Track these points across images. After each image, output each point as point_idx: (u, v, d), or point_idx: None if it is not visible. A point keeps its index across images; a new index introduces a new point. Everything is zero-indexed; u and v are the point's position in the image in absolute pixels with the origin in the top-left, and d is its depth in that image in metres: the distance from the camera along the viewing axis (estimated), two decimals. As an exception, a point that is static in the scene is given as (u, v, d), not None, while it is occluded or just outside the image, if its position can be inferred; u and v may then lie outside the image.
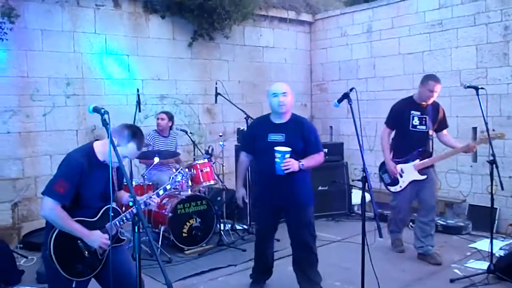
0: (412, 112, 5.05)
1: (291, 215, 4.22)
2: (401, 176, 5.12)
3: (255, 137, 4.19)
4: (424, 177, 5.06)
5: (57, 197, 2.83)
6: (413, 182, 5.09)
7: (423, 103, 5.04)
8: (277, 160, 3.88)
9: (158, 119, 6.39)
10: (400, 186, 5.15)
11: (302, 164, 3.96)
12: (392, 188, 5.23)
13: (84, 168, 2.88)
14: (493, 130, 4.84)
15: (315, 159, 4.09)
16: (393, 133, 5.25)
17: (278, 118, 4.11)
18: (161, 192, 3.32)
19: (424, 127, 5.06)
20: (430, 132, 5.10)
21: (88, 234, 2.91)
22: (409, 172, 5.08)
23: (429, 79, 4.99)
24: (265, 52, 8.72)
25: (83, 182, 2.88)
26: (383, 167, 5.30)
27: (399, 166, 5.12)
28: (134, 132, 2.98)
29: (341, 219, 7.11)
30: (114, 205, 3.11)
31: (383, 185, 5.47)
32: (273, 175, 3.96)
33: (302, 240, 4.22)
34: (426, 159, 5.05)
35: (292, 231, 4.26)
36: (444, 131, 5.24)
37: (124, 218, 3.03)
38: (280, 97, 3.98)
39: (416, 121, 5.04)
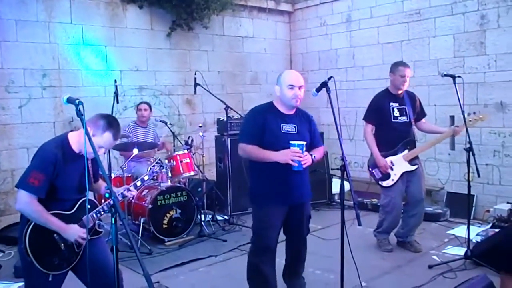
0: (391, 104, 5.01)
1: (298, 210, 3.80)
2: (392, 169, 5.01)
3: (265, 128, 3.62)
4: (415, 167, 5.04)
5: (32, 190, 2.77)
6: (404, 174, 5.03)
7: (399, 91, 5.01)
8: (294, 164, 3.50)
9: (140, 109, 6.33)
10: (392, 180, 5.02)
11: (314, 157, 3.66)
12: (384, 183, 5.06)
13: (59, 159, 2.83)
14: (474, 113, 4.82)
15: (320, 152, 3.86)
16: (374, 128, 5.12)
17: (287, 109, 3.73)
18: (138, 183, 3.29)
19: (405, 117, 5.02)
20: (412, 121, 5.07)
21: (65, 228, 2.86)
22: (399, 164, 5.01)
23: (398, 65, 4.98)
24: (244, 42, 8.69)
25: (58, 173, 2.83)
26: (372, 163, 5.12)
27: (388, 159, 5.01)
28: (110, 122, 2.93)
29: (322, 208, 7.15)
30: (91, 197, 3.07)
31: (367, 176, 5.48)
32: (286, 170, 3.54)
33: (303, 234, 3.95)
34: (415, 149, 5.05)
35: (295, 226, 3.86)
36: (423, 119, 5.24)
37: (101, 210, 3.00)
38: (297, 90, 3.62)
39: (396, 113, 5.00)
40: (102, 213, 3.01)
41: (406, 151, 5.01)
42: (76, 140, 2.94)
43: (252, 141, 3.60)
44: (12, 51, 6.09)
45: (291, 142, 3.52)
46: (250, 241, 3.91)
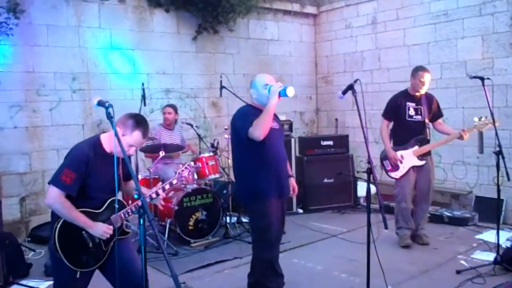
0: (408, 103, 5.39)
1: (283, 205, 4.01)
2: (401, 162, 5.38)
3: None
4: (423, 162, 5.36)
5: (62, 187, 2.85)
6: (413, 168, 5.38)
7: (417, 93, 5.36)
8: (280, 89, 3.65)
9: (164, 113, 6.40)
10: (401, 171, 5.40)
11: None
12: (393, 174, 5.46)
13: (91, 158, 2.91)
14: (486, 117, 4.96)
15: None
16: (391, 124, 5.55)
17: None
18: (167, 186, 3.33)
19: (419, 116, 5.38)
20: (426, 121, 5.40)
21: (92, 224, 2.93)
22: (409, 158, 5.36)
23: (418, 70, 5.33)
24: (270, 45, 8.71)
25: (90, 173, 2.91)
26: (384, 155, 5.52)
27: (399, 153, 5.38)
28: (138, 121, 3.00)
29: (347, 211, 7.12)
30: (120, 197, 3.12)
31: (385, 174, 5.64)
32: (277, 160, 3.82)
33: (283, 230, 4.14)
34: (425, 145, 5.36)
35: (282, 221, 4.05)
36: (439, 120, 5.54)
37: (130, 211, 3.05)
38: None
39: (412, 112, 5.38)
40: (130, 213, 3.06)
41: (416, 147, 5.35)
42: (107, 141, 3.02)
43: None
44: (43, 55, 6.25)
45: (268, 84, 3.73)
46: (256, 240, 3.91)
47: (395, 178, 5.46)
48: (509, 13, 6.49)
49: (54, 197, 2.86)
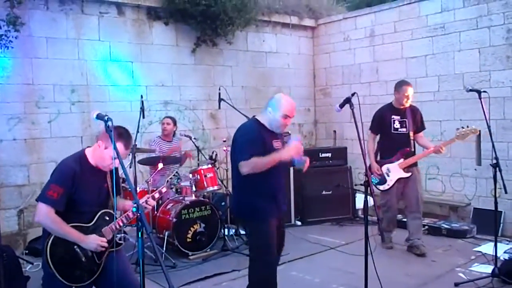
0: (393, 116, 5.62)
1: (281, 222, 3.96)
2: (388, 175, 5.60)
3: (264, 143, 3.70)
4: (409, 174, 5.57)
5: (50, 202, 2.87)
6: (399, 180, 5.59)
7: (401, 107, 5.58)
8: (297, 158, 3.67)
9: (163, 124, 6.44)
10: (388, 184, 5.61)
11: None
12: (381, 187, 5.67)
13: (77, 173, 2.93)
14: (467, 126, 5.20)
15: None
16: (378, 136, 5.80)
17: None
18: (156, 195, 3.34)
19: (404, 129, 5.60)
20: (411, 134, 5.60)
21: (84, 238, 2.94)
22: (395, 171, 5.58)
23: (402, 84, 5.57)
24: (268, 58, 8.76)
25: (77, 187, 2.92)
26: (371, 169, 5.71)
27: (385, 166, 5.62)
28: (120, 133, 3.00)
29: (345, 223, 7.11)
30: (110, 209, 3.13)
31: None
32: (276, 181, 3.77)
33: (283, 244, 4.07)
34: (409, 158, 5.55)
35: (281, 239, 3.99)
36: (421, 133, 5.74)
37: (121, 223, 3.06)
38: (289, 120, 3.84)
39: (397, 125, 5.60)
40: (121, 225, 3.06)
41: (401, 160, 5.55)
42: (92, 155, 3.06)
43: (254, 155, 3.59)
44: (42, 68, 6.28)
45: (291, 134, 3.62)
46: (255, 258, 3.83)
47: (382, 190, 5.69)
48: (505, 26, 6.55)
49: (44, 213, 2.87)
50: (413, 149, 5.63)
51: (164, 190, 3.40)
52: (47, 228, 2.91)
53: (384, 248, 5.64)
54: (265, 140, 3.71)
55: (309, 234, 6.54)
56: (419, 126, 5.71)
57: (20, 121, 6.12)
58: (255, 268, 3.84)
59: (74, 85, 6.54)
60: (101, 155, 3.01)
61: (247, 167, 3.55)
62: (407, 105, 5.57)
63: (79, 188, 2.93)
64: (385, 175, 5.60)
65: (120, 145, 2.97)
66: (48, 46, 6.32)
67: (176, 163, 6.30)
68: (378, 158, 5.75)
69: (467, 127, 5.11)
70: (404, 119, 5.61)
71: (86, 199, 2.99)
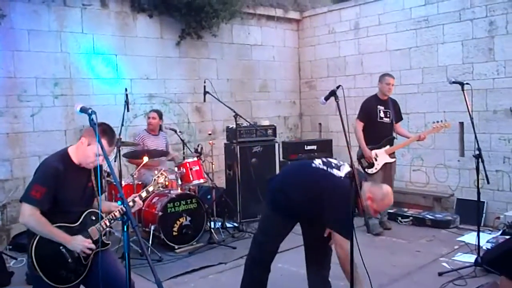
0: (378, 106, 6.13)
1: None
2: (376, 160, 6.07)
3: None
4: (394, 159, 6.20)
5: (34, 203, 2.82)
6: (384, 164, 6.09)
7: (385, 97, 6.14)
8: None
9: (149, 118, 6.40)
10: (376, 168, 6.09)
11: None
12: (369, 170, 6.10)
13: (60, 171, 2.87)
14: (440, 121, 6.03)
15: None
16: (363, 125, 6.17)
17: None
18: (143, 194, 3.30)
19: (388, 119, 6.15)
20: (394, 123, 6.20)
21: (70, 239, 2.88)
22: (382, 156, 6.10)
23: (385, 76, 6.16)
24: (253, 50, 8.74)
25: (61, 186, 2.87)
26: (360, 154, 6.15)
27: (373, 152, 6.08)
28: (104, 130, 2.96)
29: (331, 215, 7.14)
30: (95, 209, 3.10)
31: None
32: None
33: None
34: (394, 145, 6.19)
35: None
36: (399, 123, 6.34)
37: (108, 222, 3.03)
38: None
39: (382, 114, 6.12)
40: (108, 225, 3.04)
41: (388, 146, 6.12)
42: (75, 153, 3.00)
43: None
44: (24, 61, 6.18)
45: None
46: (253, 257, 3.88)
47: (369, 174, 6.07)
48: (488, 19, 6.61)
49: (28, 214, 2.82)
50: (395, 137, 6.27)
51: (151, 189, 3.37)
52: (32, 229, 2.85)
53: (374, 236, 6.04)
54: None
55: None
56: (398, 117, 6.31)
57: (1, 115, 6.02)
58: (251, 267, 3.88)
59: (57, 78, 6.45)
60: (84, 152, 2.96)
61: None
62: (390, 94, 6.15)
63: (63, 187, 2.88)
64: (373, 160, 6.07)
65: (104, 142, 2.90)
66: (30, 39, 6.22)
67: (161, 157, 6.25)
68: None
69: (440, 121, 5.98)
70: (388, 110, 6.15)
71: (70, 199, 2.94)
